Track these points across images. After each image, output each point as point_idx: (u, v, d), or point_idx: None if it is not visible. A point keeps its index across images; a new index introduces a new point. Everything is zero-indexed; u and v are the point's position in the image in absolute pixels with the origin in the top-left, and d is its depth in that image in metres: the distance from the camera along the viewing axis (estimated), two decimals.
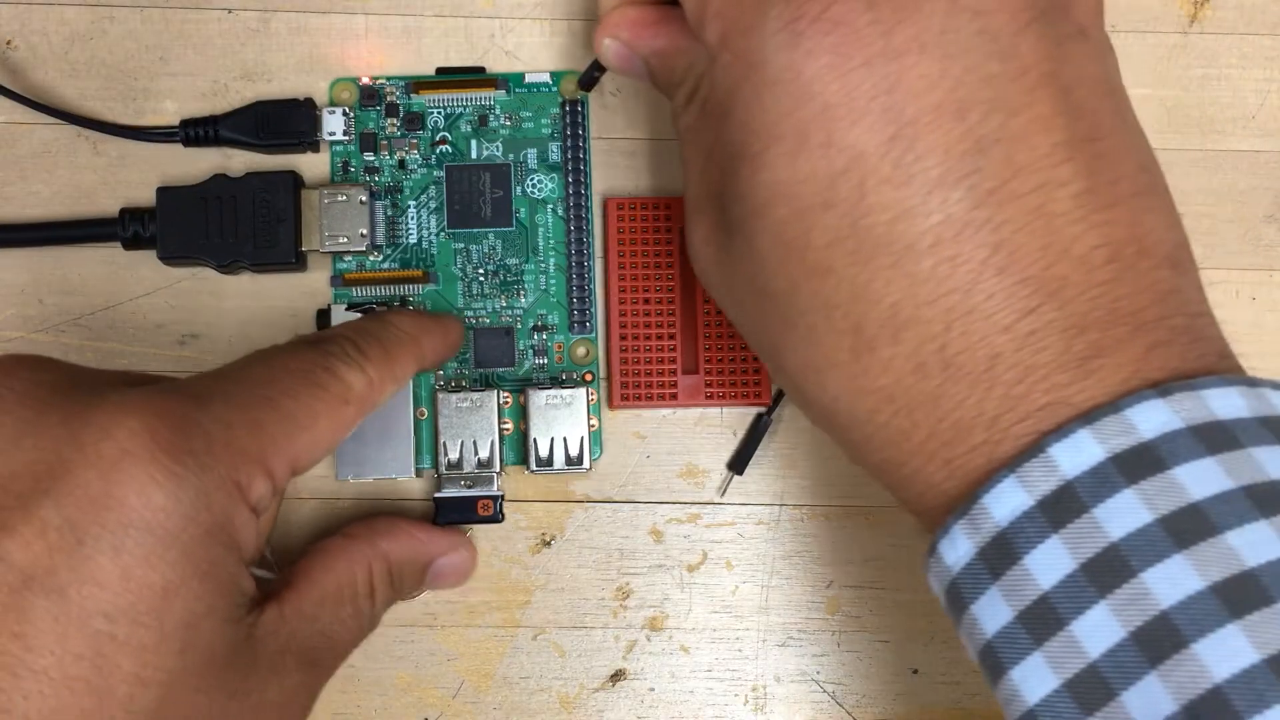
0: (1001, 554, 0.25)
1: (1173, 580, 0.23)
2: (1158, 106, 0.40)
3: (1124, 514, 0.23)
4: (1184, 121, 0.40)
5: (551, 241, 0.38)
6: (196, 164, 0.38)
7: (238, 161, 0.38)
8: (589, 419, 0.37)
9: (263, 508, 0.28)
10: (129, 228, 0.37)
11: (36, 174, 0.38)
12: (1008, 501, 0.25)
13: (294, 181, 0.37)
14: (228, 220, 0.36)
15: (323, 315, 0.37)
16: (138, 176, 0.38)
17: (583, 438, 0.37)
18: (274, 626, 0.29)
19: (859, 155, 0.25)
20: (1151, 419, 0.24)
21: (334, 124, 0.38)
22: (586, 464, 0.37)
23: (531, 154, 0.38)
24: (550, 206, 0.38)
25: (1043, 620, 0.24)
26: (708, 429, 0.39)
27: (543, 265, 0.38)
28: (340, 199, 0.37)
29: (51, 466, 0.26)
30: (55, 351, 0.37)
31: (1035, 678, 0.24)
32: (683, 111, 0.30)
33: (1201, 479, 0.23)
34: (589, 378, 0.38)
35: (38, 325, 0.38)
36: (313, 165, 0.38)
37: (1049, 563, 0.24)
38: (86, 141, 0.38)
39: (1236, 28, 0.40)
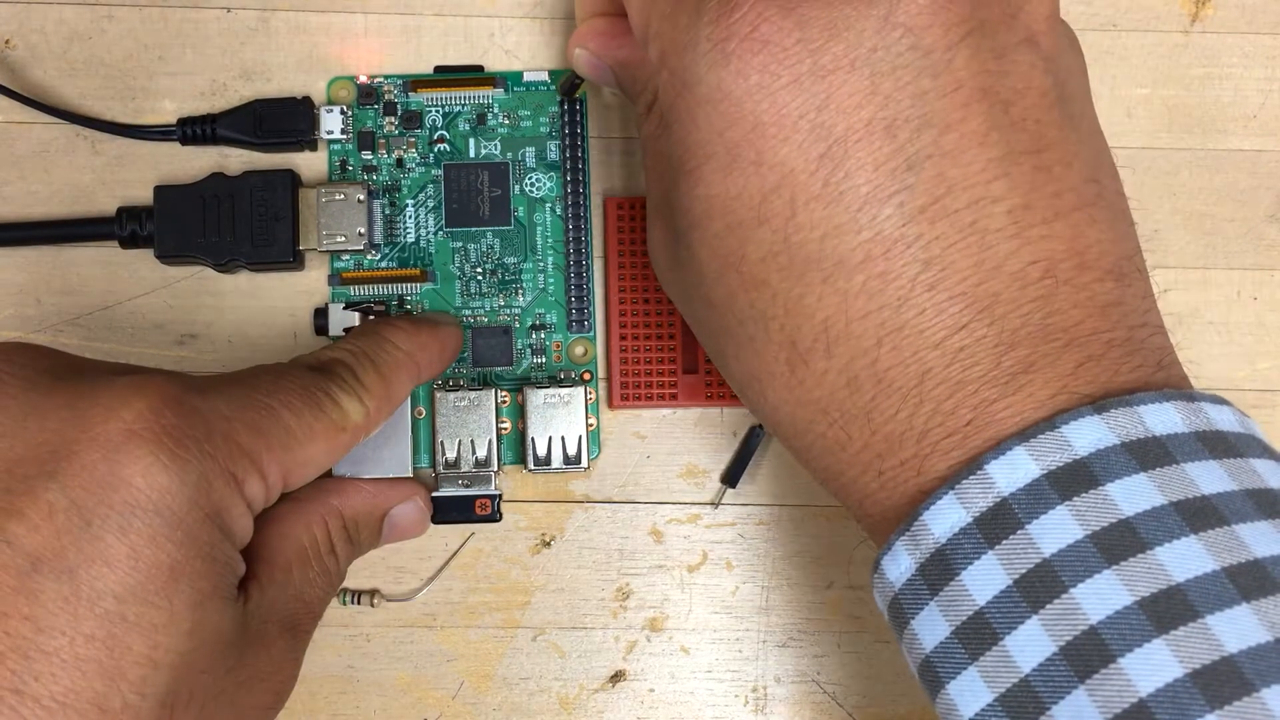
0: (940, 570, 0.25)
1: (1102, 596, 0.23)
2: (1159, 106, 0.40)
3: (1056, 530, 0.24)
4: (1185, 121, 0.40)
5: (550, 240, 0.38)
6: (194, 163, 0.38)
7: (235, 160, 0.38)
8: (587, 418, 0.37)
9: (255, 507, 0.28)
10: (126, 226, 0.37)
11: (34, 173, 0.38)
12: (946, 518, 0.25)
13: (292, 180, 0.37)
14: (225, 219, 0.36)
15: (320, 314, 0.37)
16: (135, 175, 0.38)
17: (581, 437, 0.36)
18: (258, 600, 0.30)
19: (789, 173, 0.26)
20: (1086, 435, 0.24)
21: (332, 123, 0.37)
22: (584, 463, 0.37)
23: (530, 153, 0.38)
24: (549, 205, 0.38)
25: (978, 635, 0.24)
26: (708, 429, 0.38)
27: (541, 264, 0.38)
28: (338, 198, 0.37)
29: (56, 449, 0.26)
30: None
31: (970, 692, 0.24)
32: (644, 120, 0.30)
33: (1133, 495, 0.23)
34: (587, 377, 0.38)
35: (36, 325, 0.38)
36: (310, 164, 0.38)
37: (985, 579, 0.24)
38: (85, 140, 0.38)
39: (1238, 27, 0.40)
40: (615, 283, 0.37)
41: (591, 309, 0.38)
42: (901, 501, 0.26)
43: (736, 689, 0.38)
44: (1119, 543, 0.23)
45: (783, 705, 0.38)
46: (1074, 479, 0.24)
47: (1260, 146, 0.40)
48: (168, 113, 0.38)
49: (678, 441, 0.38)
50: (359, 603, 0.37)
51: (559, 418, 0.37)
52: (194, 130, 0.37)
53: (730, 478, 0.38)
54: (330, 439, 0.30)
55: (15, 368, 0.28)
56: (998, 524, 0.24)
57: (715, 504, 0.38)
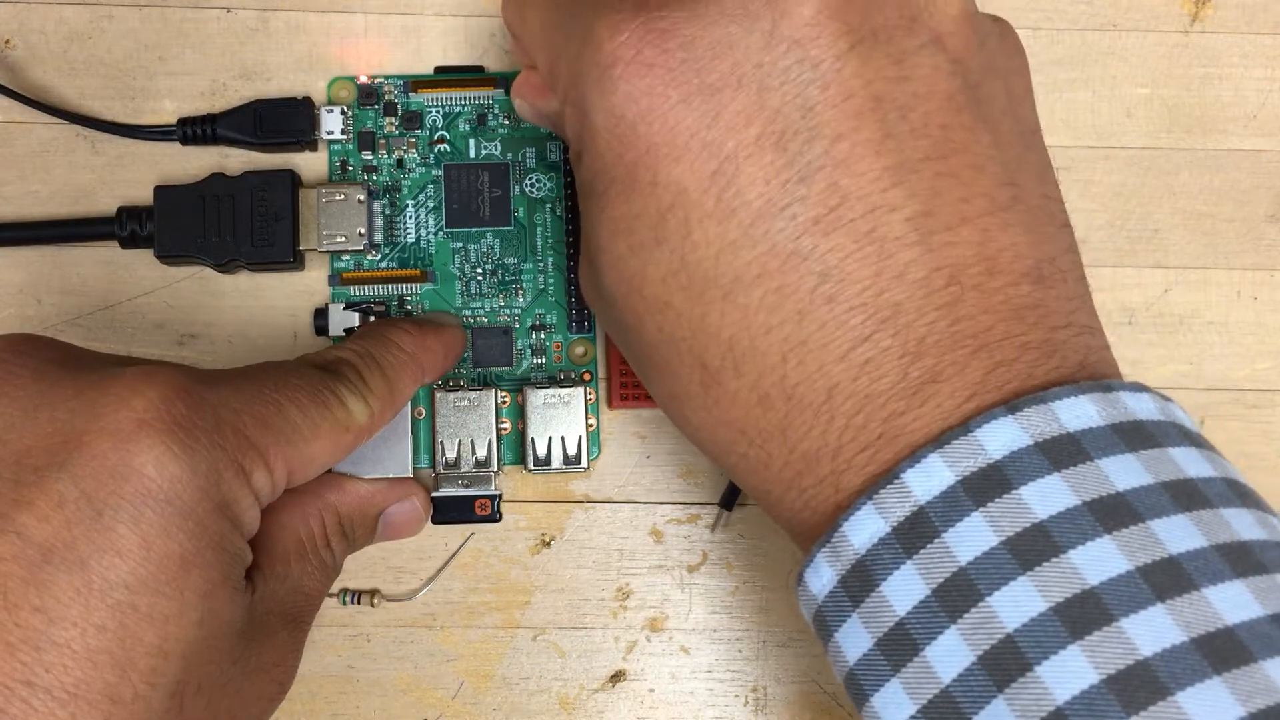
0: (861, 581, 0.25)
1: (1017, 603, 0.23)
2: (1159, 106, 0.40)
3: (972, 537, 0.23)
4: (1185, 121, 0.40)
5: (550, 241, 0.38)
6: (194, 163, 0.38)
7: (235, 160, 0.38)
8: (587, 418, 0.37)
9: (262, 500, 0.28)
10: (126, 226, 0.37)
11: (35, 173, 0.38)
12: (865, 528, 0.25)
13: (292, 180, 0.37)
14: (225, 219, 0.36)
15: (320, 314, 0.37)
16: (136, 175, 0.38)
17: (581, 437, 0.36)
18: (262, 592, 0.30)
19: (682, 192, 0.26)
20: (1000, 438, 0.24)
21: (332, 123, 0.37)
22: (584, 463, 0.37)
23: (530, 153, 0.38)
24: (549, 206, 0.38)
25: (899, 646, 0.24)
26: None
27: (541, 264, 0.38)
28: (338, 198, 0.37)
29: (66, 439, 0.26)
30: None
31: (894, 704, 0.24)
32: (576, 167, 0.30)
33: (1046, 497, 0.23)
34: (587, 377, 0.38)
35: (36, 325, 0.38)
36: (311, 164, 0.38)
37: (904, 589, 0.24)
38: (85, 140, 0.38)
39: (1238, 27, 0.40)
40: None
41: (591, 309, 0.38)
42: (822, 519, 0.26)
43: (736, 689, 0.38)
44: (1033, 547, 0.23)
45: (783, 705, 0.38)
46: (988, 484, 0.24)
47: (1260, 146, 0.40)
48: (168, 113, 0.38)
49: (678, 441, 0.38)
50: (359, 603, 0.37)
51: (559, 418, 0.37)
52: (194, 130, 0.37)
53: (727, 502, 0.38)
54: (335, 438, 0.30)
55: (23, 358, 0.28)
56: (915, 533, 0.24)
57: (713, 529, 0.38)
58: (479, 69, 0.39)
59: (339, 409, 0.30)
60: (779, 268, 0.25)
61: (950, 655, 0.23)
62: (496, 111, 0.38)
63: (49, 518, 0.25)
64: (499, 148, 0.38)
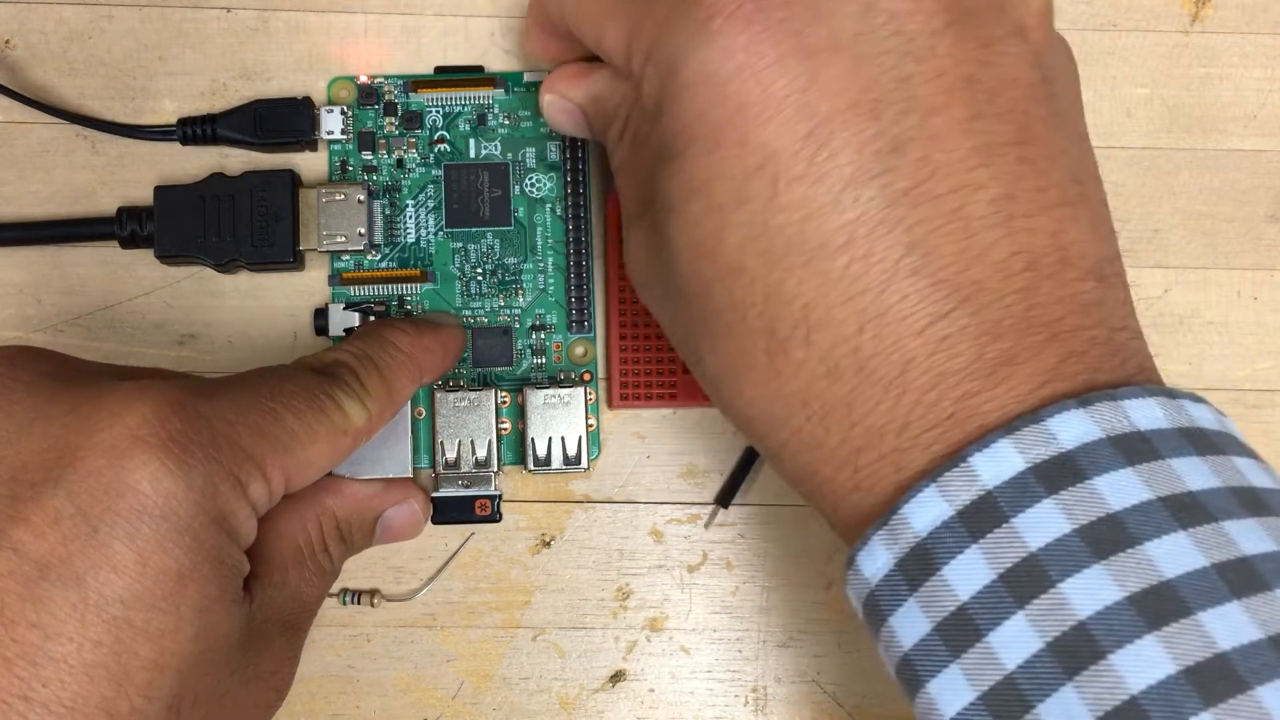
0: (920, 565, 0.24)
1: (1091, 591, 0.22)
2: (1159, 106, 0.40)
3: (1043, 524, 0.23)
4: (1185, 121, 0.40)
5: (550, 241, 0.38)
6: (194, 163, 0.38)
7: (236, 160, 0.38)
8: (587, 418, 0.37)
9: (259, 509, 0.28)
10: (126, 226, 0.37)
11: (35, 173, 0.38)
12: (928, 512, 0.24)
13: (292, 180, 0.37)
14: (225, 219, 0.36)
15: (320, 314, 0.37)
16: (136, 175, 0.38)
17: (580, 437, 0.36)
18: (260, 601, 0.30)
19: (772, 153, 0.25)
20: (1071, 429, 0.24)
21: (332, 123, 0.37)
22: (584, 464, 0.37)
23: (530, 153, 0.38)
24: (549, 206, 0.38)
25: (960, 631, 0.24)
26: (708, 429, 0.38)
27: (541, 265, 0.38)
28: (338, 198, 0.37)
29: (61, 455, 0.26)
30: None
31: (952, 690, 0.24)
32: (617, 146, 0.30)
33: (1120, 490, 0.23)
34: (587, 377, 0.38)
35: (36, 325, 0.38)
36: (311, 164, 0.38)
37: (968, 573, 0.24)
38: (85, 140, 0.38)
39: (1238, 27, 0.40)
40: (615, 283, 0.37)
41: (591, 309, 0.38)
42: (878, 500, 0.26)
43: (736, 689, 0.38)
44: (1108, 537, 0.23)
45: (783, 705, 0.38)
46: (1060, 472, 0.24)
47: (1260, 146, 0.40)
48: (168, 113, 0.38)
49: (678, 441, 0.38)
50: (359, 603, 0.37)
51: (559, 418, 0.37)
52: (194, 130, 0.37)
53: (724, 498, 0.38)
54: (332, 441, 0.30)
55: (17, 371, 0.28)
56: (981, 517, 0.24)
57: (707, 526, 0.38)
58: (479, 69, 0.39)
59: (335, 413, 0.30)
60: (866, 235, 0.25)
61: (1016, 641, 0.23)
62: (496, 111, 0.38)
63: (45, 534, 0.25)
64: (499, 148, 0.38)
